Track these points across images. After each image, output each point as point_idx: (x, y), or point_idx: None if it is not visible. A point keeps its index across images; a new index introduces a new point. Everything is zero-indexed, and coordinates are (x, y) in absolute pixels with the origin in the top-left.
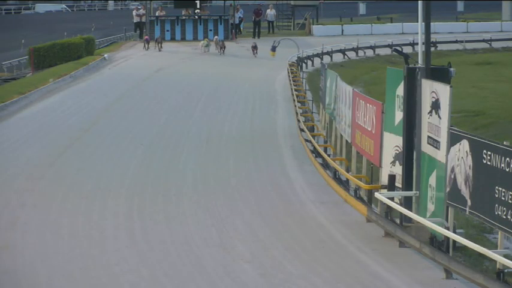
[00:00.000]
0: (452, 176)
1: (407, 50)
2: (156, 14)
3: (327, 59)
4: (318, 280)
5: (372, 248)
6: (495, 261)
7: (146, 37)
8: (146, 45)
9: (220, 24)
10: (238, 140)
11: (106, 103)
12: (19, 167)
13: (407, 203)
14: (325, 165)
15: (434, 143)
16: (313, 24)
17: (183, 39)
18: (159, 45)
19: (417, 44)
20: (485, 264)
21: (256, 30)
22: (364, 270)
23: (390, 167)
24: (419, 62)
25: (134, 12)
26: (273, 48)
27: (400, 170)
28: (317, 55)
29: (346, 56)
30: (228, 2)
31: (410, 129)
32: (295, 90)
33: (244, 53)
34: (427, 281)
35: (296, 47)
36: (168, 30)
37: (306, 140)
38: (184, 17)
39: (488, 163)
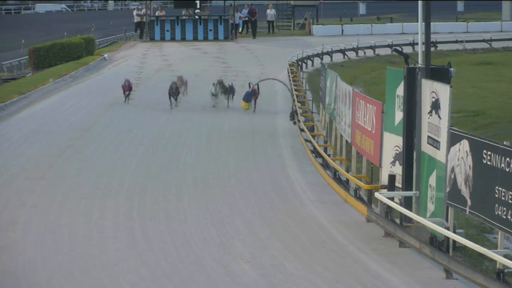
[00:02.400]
0: (452, 176)
1: (407, 50)
2: (156, 14)
3: (327, 59)
4: (318, 280)
5: (372, 248)
6: (495, 261)
7: (124, 84)
8: (126, 96)
9: (220, 24)
10: (238, 140)
11: (106, 103)
12: (19, 167)
13: (407, 203)
14: (325, 165)
15: (434, 143)
16: (313, 24)
17: (183, 39)
18: (175, 99)
19: (417, 44)
20: (485, 264)
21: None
22: (364, 270)
23: (390, 167)
24: (419, 62)
25: (135, 12)
26: (247, 97)
27: (400, 170)
28: (317, 55)
29: (346, 56)
30: (228, 2)
31: (410, 129)
32: (295, 90)
33: (244, 53)
34: (427, 281)
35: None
36: (168, 30)
37: (306, 140)
38: (184, 17)
39: (488, 163)
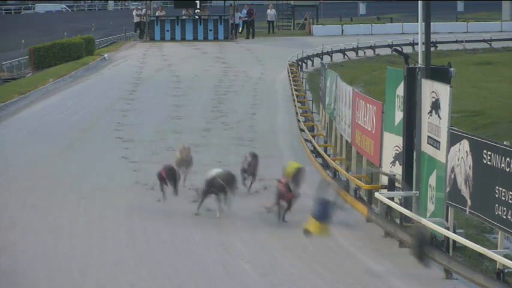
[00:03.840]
0: (452, 176)
1: (407, 50)
2: (156, 14)
3: (327, 59)
4: (318, 280)
5: (372, 248)
6: (495, 261)
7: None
8: (164, 193)
9: (220, 24)
10: (238, 140)
11: (106, 103)
12: (19, 167)
13: (407, 203)
14: (325, 165)
15: (434, 143)
16: (313, 24)
17: (183, 39)
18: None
19: (417, 44)
20: (485, 264)
21: (250, 31)
22: (364, 270)
23: (390, 167)
24: (419, 62)
25: (134, 12)
26: (324, 214)
27: (400, 170)
28: (317, 55)
29: (346, 56)
30: (228, 2)
31: (410, 129)
32: (295, 90)
33: (244, 53)
34: (427, 281)
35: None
36: (168, 30)
37: (306, 140)
38: (184, 17)
39: (488, 163)
